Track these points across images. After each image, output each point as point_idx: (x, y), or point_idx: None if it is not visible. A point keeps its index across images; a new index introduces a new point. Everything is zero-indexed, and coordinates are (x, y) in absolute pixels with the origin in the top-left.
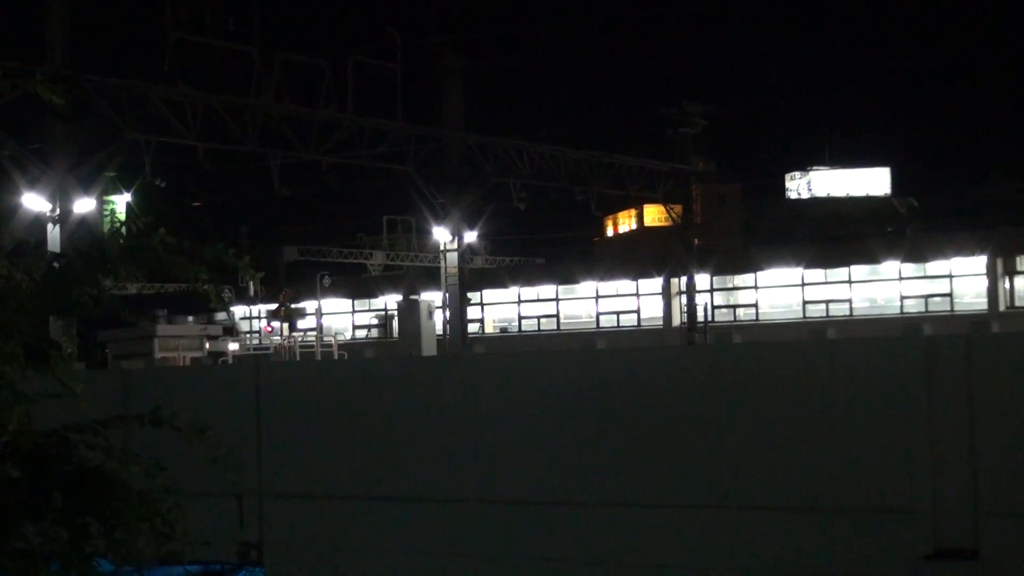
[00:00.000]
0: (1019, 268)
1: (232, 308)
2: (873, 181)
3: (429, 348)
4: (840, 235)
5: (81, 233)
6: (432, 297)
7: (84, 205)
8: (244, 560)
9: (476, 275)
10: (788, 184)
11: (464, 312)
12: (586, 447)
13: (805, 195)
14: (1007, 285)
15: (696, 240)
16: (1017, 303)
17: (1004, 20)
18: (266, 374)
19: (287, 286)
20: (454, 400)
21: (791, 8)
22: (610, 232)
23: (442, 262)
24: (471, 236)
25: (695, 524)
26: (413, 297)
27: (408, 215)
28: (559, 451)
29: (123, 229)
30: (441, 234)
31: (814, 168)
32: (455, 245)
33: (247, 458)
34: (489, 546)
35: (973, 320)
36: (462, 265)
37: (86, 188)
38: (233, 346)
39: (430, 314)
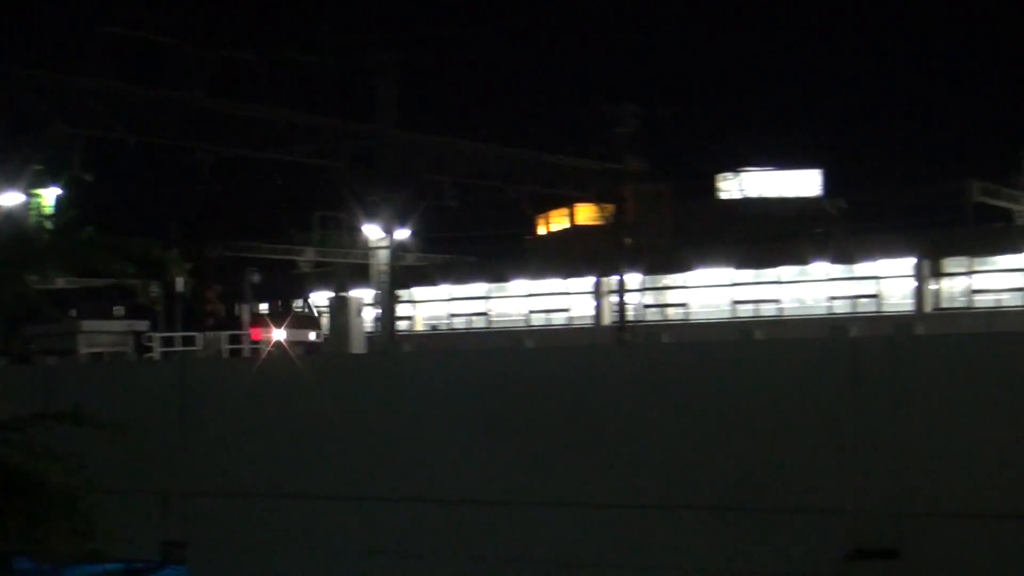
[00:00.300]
0: (945, 270)
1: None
2: (804, 182)
3: (358, 345)
4: (770, 236)
5: (7, 227)
6: (363, 294)
7: (10, 199)
8: (167, 559)
9: (407, 272)
10: (720, 184)
11: (393, 309)
12: (513, 446)
13: (737, 196)
14: (934, 287)
15: (628, 239)
16: (943, 304)
17: (932, 22)
18: (191, 371)
19: (215, 283)
20: (381, 398)
21: (724, 9)
22: (543, 231)
23: (372, 259)
24: (402, 233)
25: (620, 523)
26: (342, 294)
27: (340, 211)
28: (486, 450)
29: (47, 224)
30: (372, 231)
31: (746, 169)
32: (386, 242)
33: (171, 456)
34: (414, 544)
35: (898, 322)
36: (393, 262)
37: (12, 181)
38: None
39: (359, 311)
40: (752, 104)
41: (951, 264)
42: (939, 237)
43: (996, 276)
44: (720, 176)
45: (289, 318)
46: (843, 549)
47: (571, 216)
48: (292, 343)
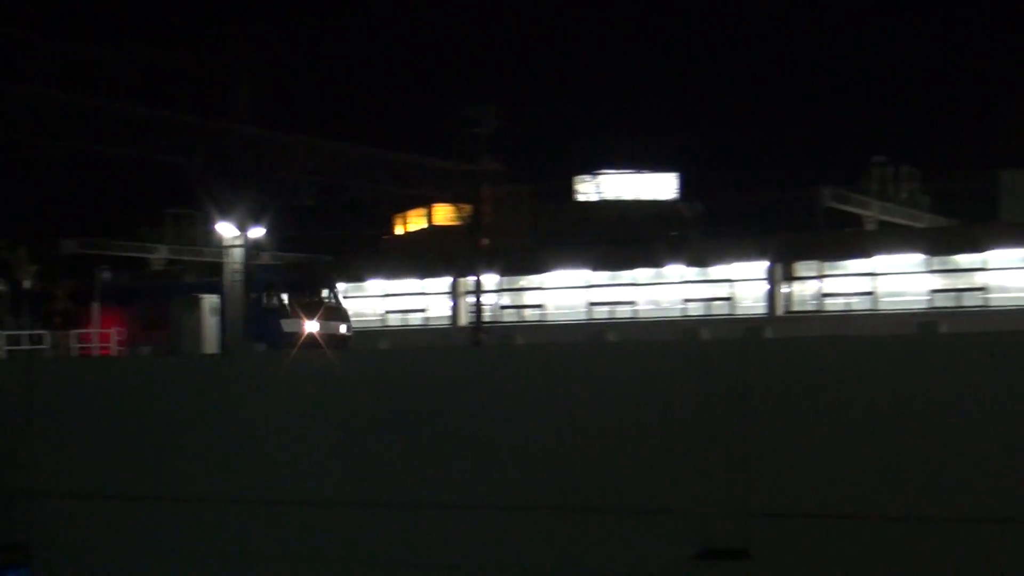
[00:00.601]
0: (797, 274)
1: None
2: (661, 185)
3: (211, 346)
4: (627, 238)
5: None
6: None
7: None
8: (9, 561)
9: (262, 271)
10: (578, 187)
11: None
12: (367, 447)
13: (594, 198)
14: (785, 290)
15: (485, 240)
16: (795, 308)
17: (792, 30)
18: (38, 372)
19: (67, 280)
20: (233, 399)
21: (585, 10)
22: (400, 231)
23: (226, 258)
24: (257, 232)
25: (470, 523)
26: (195, 294)
27: (193, 209)
28: (340, 451)
29: None
30: (225, 229)
31: (603, 171)
32: (240, 240)
33: (16, 457)
34: (265, 546)
35: (750, 325)
36: (247, 261)
37: None
38: None
39: (213, 311)
40: (610, 108)
41: (802, 268)
42: (791, 241)
43: (846, 280)
44: (578, 178)
45: (321, 310)
46: (693, 549)
47: (428, 216)
48: (324, 336)
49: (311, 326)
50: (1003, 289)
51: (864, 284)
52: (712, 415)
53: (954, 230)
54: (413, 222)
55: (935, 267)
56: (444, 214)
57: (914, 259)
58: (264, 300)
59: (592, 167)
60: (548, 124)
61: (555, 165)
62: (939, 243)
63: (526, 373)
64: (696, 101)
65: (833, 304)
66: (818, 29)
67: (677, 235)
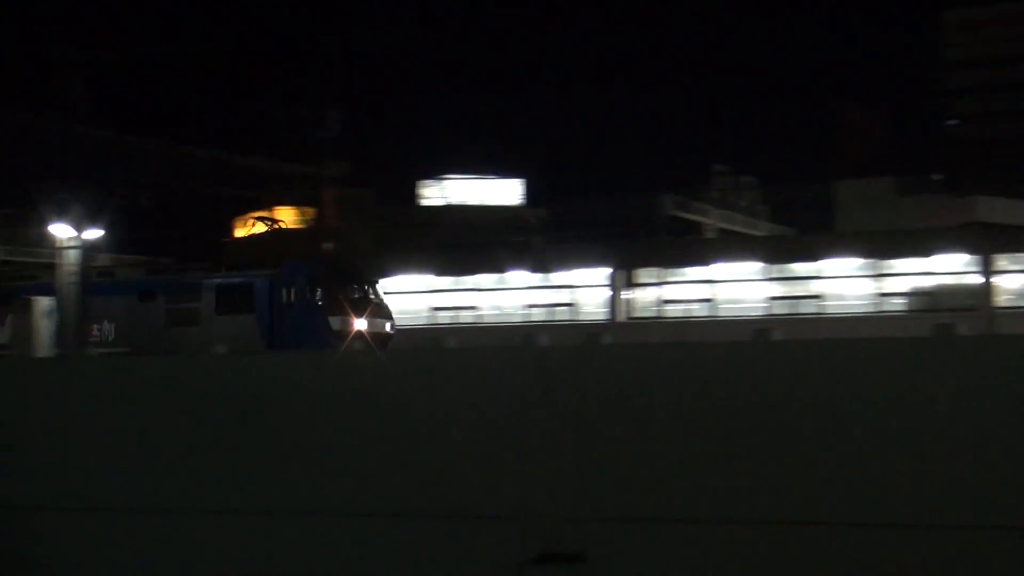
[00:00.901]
0: (638, 280)
1: None
2: (506, 191)
3: (45, 350)
4: (471, 243)
5: None
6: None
7: None
8: None
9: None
10: (422, 191)
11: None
12: (196, 455)
13: (439, 202)
14: (627, 296)
15: (328, 244)
16: (636, 314)
17: (638, 40)
18: None
19: None
20: (72, 406)
21: (431, 16)
22: (242, 234)
23: (60, 259)
24: (93, 233)
25: (293, 530)
26: (29, 296)
27: (28, 209)
28: (172, 457)
29: None
30: (60, 230)
31: (448, 176)
32: (76, 242)
33: None
34: (95, 556)
35: (591, 330)
36: (84, 263)
37: None
38: None
39: (47, 314)
40: (456, 114)
41: (644, 275)
42: (633, 248)
43: (686, 287)
44: (422, 182)
45: (369, 307)
46: (531, 553)
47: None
48: (372, 334)
49: (360, 324)
50: (838, 297)
51: (704, 291)
52: (550, 420)
53: (791, 239)
54: (255, 225)
55: (773, 275)
56: (287, 217)
57: (752, 267)
58: (306, 295)
59: (437, 172)
60: (393, 128)
61: (400, 169)
62: (776, 251)
63: (361, 379)
64: (543, 108)
65: (674, 310)
66: (663, 39)
67: (521, 240)
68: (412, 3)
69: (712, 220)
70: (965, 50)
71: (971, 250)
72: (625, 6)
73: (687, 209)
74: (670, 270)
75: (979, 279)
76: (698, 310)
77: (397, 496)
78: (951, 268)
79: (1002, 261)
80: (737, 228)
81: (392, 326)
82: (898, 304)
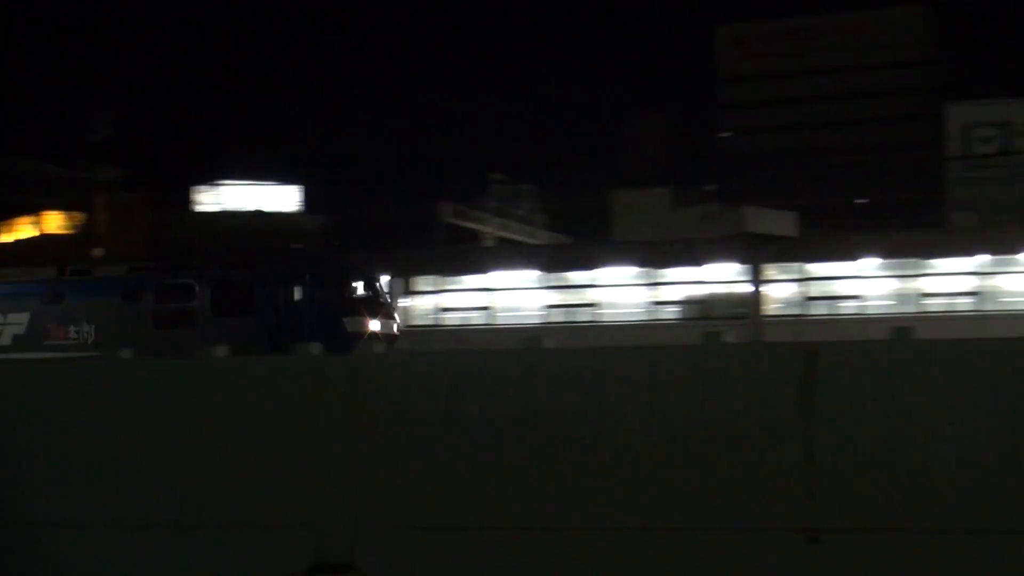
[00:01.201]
0: (416, 288)
1: None
2: (283, 197)
3: None
4: (249, 250)
5: None
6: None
7: None
8: None
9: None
10: (197, 196)
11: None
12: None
13: (215, 208)
14: (406, 304)
15: (98, 250)
16: (415, 322)
17: (416, 51)
18: None
19: None
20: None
21: (209, 18)
22: (8, 239)
23: None
24: None
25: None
26: None
27: None
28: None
29: None
30: None
31: (224, 182)
32: None
33: None
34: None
35: None
36: None
37: None
38: None
39: None
40: (233, 117)
41: (421, 283)
42: (410, 256)
43: (464, 295)
44: (197, 188)
45: (380, 307)
46: (305, 564)
47: (39, 224)
48: (384, 335)
49: (374, 325)
50: (612, 305)
51: (482, 299)
52: (325, 428)
53: (568, 247)
54: (22, 231)
55: (550, 283)
56: (56, 222)
57: (530, 275)
58: (315, 294)
59: (213, 177)
60: (167, 132)
61: (174, 174)
62: (553, 260)
63: (143, 387)
64: (322, 115)
65: (451, 318)
66: (446, 50)
67: (298, 248)
68: (189, 6)
69: (490, 229)
70: (736, 65)
71: (741, 260)
72: (403, 14)
73: (465, 217)
74: (448, 278)
75: (749, 288)
76: (476, 318)
77: (173, 505)
78: (722, 277)
79: (771, 271)
80: (515, 236)
81: (397, 327)
82: (672, 312)
